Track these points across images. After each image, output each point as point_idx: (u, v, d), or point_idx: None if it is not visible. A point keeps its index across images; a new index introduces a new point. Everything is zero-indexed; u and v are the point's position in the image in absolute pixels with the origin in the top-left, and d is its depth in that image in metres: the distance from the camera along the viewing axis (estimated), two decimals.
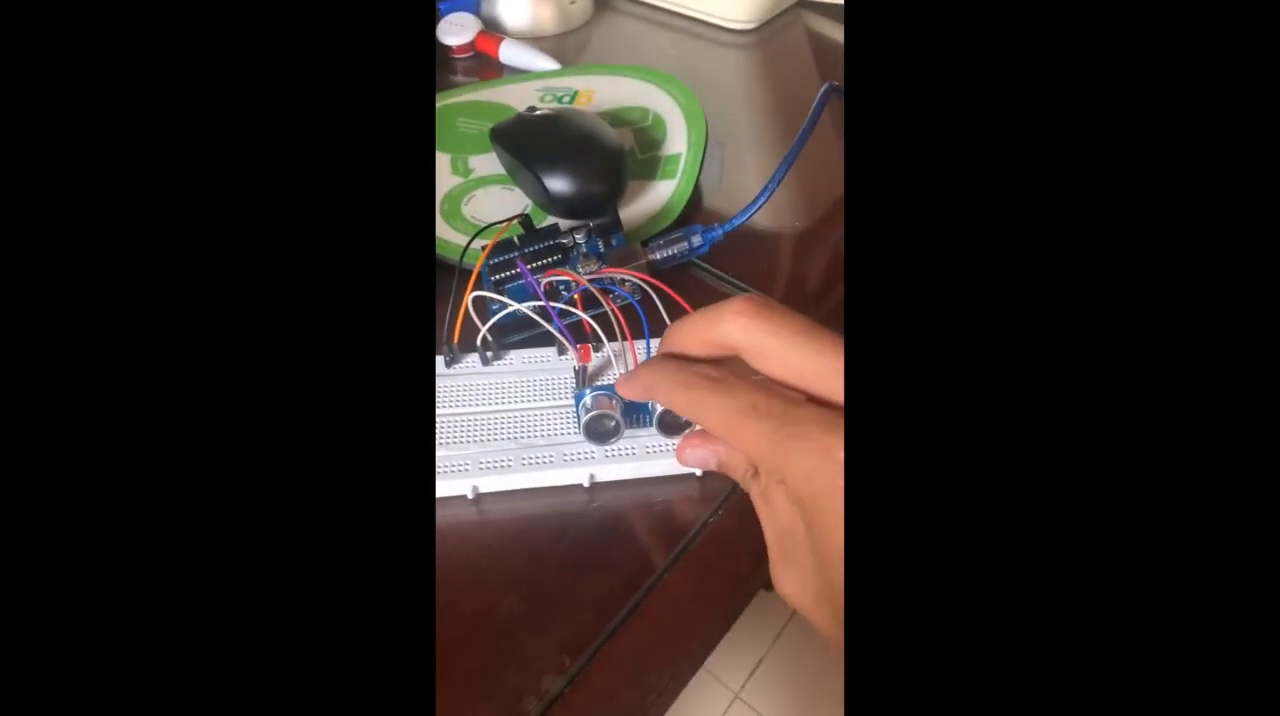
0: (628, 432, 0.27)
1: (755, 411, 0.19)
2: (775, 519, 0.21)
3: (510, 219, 0.32)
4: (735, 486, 0.28)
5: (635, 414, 0.28)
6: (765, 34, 0.55)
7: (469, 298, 0.29)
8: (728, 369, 0.21)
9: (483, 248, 0.31)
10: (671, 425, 0.27)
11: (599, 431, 0.27)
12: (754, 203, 0.33)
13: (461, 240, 0.36)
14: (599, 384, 0.28)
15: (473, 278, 0.30)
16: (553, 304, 0.29)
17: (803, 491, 0.19)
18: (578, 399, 0.27)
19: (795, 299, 0.35)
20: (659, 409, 0.27)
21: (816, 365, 0.19)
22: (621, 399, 0.27)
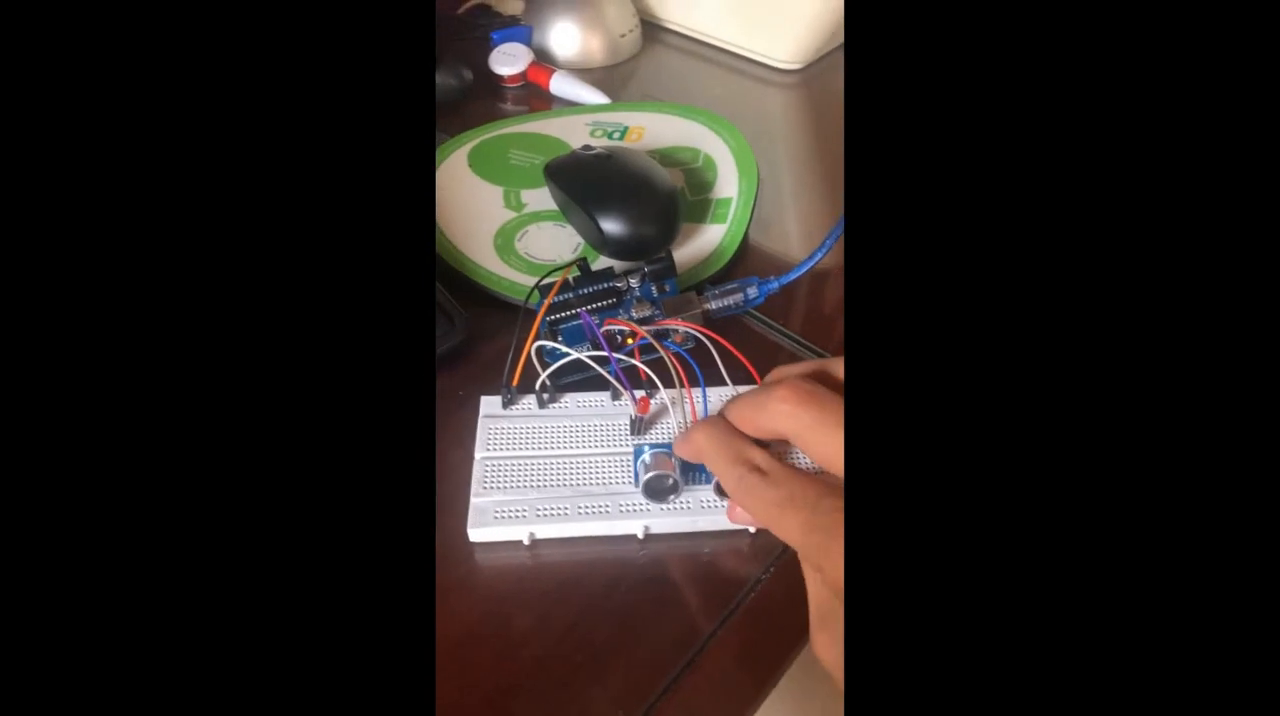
0: (684, 488, 0.28)
1: (792, 502, 0.21)
2: (815, 593, 0.21)
3: (569, 263, 0.33)
4: (787, 545, 0.28)
5: (693, 471, 0.28)
6: (811, 74, 0.55)
7: (531, 345, 0.29)
8: (774, 454, 0.22)
9: (543, 290, 0.31)
10: None
11: (658, 489, 0.27)
12: (812, 257, 0.33)
13: (515, 276, 0.37)
14: (657, 443, 0.28)
15: (535, 325, 0.30)
16: (615, 354, 0.29)
17: (832, 578, 0.19)
18: (636, 454, 0.28)
19: (842, 346, 0.35)
20: None
21: None
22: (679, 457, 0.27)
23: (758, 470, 0.22)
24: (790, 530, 0.21)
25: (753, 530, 0.28)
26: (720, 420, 0.24)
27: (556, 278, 0.32)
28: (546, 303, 0.31)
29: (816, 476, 0.21)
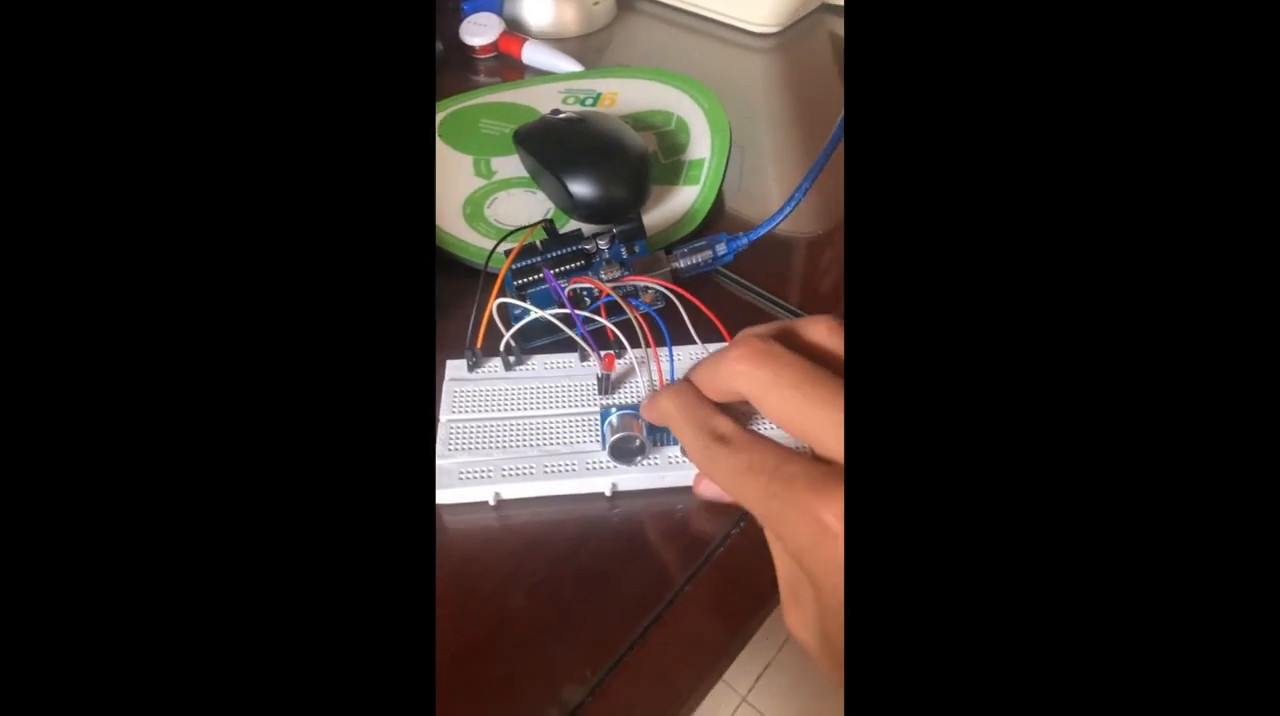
0: (651, 449, 0.27)
1: (751, 469, 0.20)
2: (781, 564, 0.21)
3: (534, 224, 0.32)
4: None
5: (660, 432, 0.28)
6: (788, 37, 0.54)
7: (494, 304, 0.29)
8: (738, 418, 0.21)
9: (507, 253, 0.31)
10: None
11: (624, 451, 0.27)
12: (778, 213, 0.33)
13: (484, 243, 0.36)
14: (624, 404, 0.28)
15: (497, 283, 0.30)
16: (579, 312, 0.29)
17: (791, 548, 0.19)
18: (603, 417, 0.27)
19: (814, 304, 0.35)
20: None
21: (810, 419, 0.20)
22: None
23: (721, 438, 0.21)
24: (750, 498, 0.20)
25: None
26: (686, 385, 0.23)
27: (519, 238, 0.31)
28: (508, 262, 0.30)
29: (774, 444, 0.21)
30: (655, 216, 0.38)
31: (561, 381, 0.30)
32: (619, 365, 0.30)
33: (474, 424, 0.28)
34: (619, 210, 0.36)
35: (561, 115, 0.39)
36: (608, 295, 0.30)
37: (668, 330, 0.30)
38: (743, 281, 0.36)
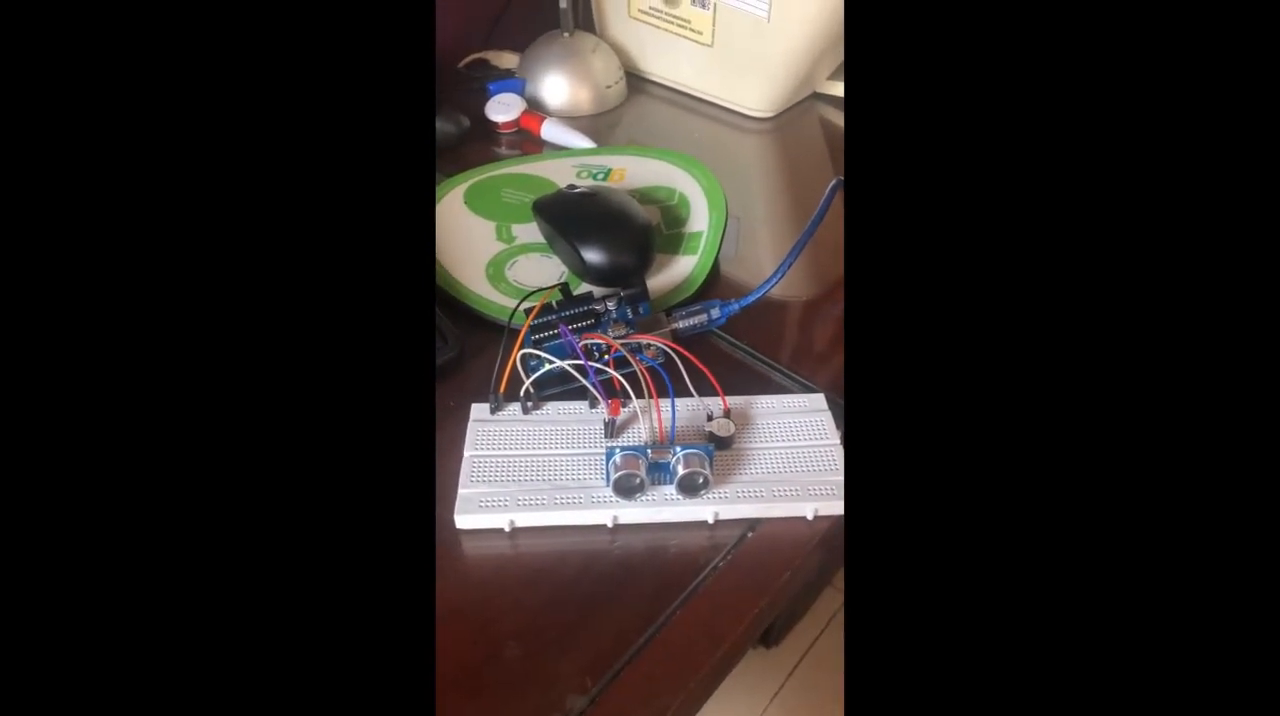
0: (650, 487, 0.31)
1: None
2: None
3: (553, 286, 0.37)
4: (743, 535, 0.31)
5: (658, 473, 0.31)
6: (782, 121, 0.60)
7: (517, 355, 0.33)
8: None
9: (527, 311, 0.35)
10: (689, 487, 0.31)
11: (626, 487, 0.31)
12: (767, 282, 0.37)
13: (504, 301, 0.41)
14: (627, 445, 0.31)
15: (520, 337, 0.34)
16: (591, 363, 0.33)
17: None
18: (608, 456, 0.31)
19: (802, 364, 0.39)
20: (680, 471, 0.30)
21: None
22: (647, 458, 0.31)
23: None
24: None
25: (711, 521, 0.31)
26: None
27: (539, 298, 0.36)
28: (531, 315, 0.34)
29: None
30: (658, 282, 0.42)
31: (572, 425, 0.34)
32: (623, 412, 0.34)
33: (494, 460, 0.32)
34: (626, 275, 0.40)
35: (576, 189, 0.44)
36: (617, 350, 0.34)
37: (670, 381, 0.33)
38: (735, 341, 0.40)
